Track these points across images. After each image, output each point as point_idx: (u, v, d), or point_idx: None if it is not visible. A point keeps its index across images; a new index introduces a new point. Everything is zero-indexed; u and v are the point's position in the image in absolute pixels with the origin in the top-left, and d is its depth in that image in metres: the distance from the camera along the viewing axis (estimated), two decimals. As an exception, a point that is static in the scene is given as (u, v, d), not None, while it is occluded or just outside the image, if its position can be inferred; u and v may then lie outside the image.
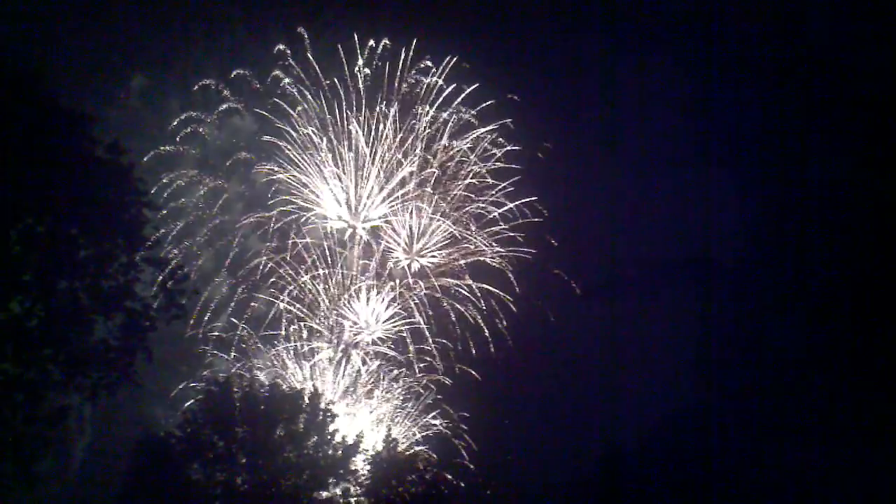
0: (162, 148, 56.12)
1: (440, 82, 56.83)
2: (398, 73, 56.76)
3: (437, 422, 55.28)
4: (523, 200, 56.86)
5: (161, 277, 32.30)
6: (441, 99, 57.13)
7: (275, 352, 54.75)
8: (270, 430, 40.06)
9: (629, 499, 57.23)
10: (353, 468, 42.36)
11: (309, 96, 56.81)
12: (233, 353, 55.09)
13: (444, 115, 57.09)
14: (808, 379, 57.87)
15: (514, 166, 57.27)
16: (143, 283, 32.64)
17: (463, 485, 47.73)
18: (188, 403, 51.32)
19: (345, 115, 56.51)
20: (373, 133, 56.48)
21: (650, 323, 60.71)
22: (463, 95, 57.00)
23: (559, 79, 63.48)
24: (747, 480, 56.17)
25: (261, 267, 55.67)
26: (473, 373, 55.65)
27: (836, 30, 64.00)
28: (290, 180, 56.65)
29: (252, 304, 55.64)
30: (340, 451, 41.75)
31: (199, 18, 61.52)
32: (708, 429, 58.31)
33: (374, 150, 56.39)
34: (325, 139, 56.55)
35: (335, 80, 56.74)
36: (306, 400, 41.45)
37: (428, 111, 56.84)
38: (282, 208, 56.38)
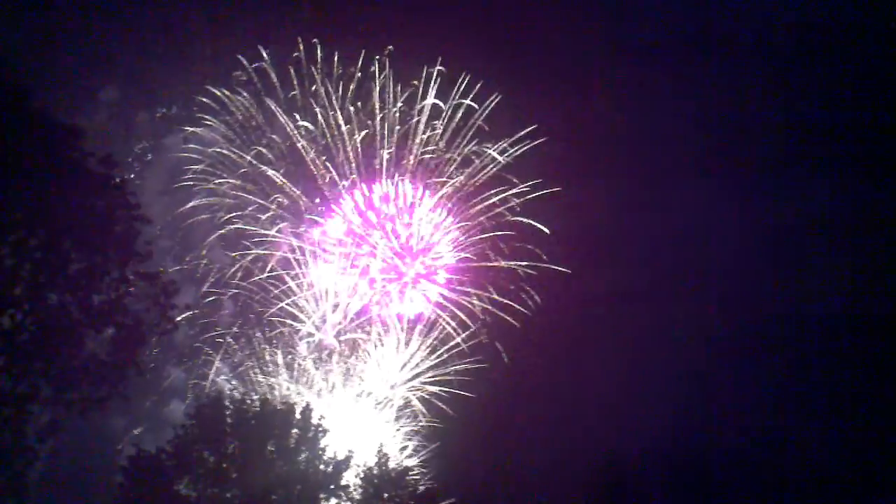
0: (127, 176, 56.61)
1: (401, 105, 57.14)
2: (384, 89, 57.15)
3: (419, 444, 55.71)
4: (521, 219, 57.18)
5: (153, 292, 32.26)
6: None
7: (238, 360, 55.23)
8: (262, 445, 39.85)
9: None
10: (343, 483, 42.13)
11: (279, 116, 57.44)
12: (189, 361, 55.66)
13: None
14: (809, 387, 58.00)
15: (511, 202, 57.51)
16: (134, 298, 32.64)
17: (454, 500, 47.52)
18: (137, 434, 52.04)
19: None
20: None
21: (651, 332, 60.71)
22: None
23: (557, 84, 63.27)
24: (749, 490, 56.18)
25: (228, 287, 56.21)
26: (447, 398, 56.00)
27: (841, 39, 64.42)
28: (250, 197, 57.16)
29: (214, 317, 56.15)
30: (331, 467, 41.54)
31: (170, 38, 61.51)
32: (710, 438, 58.28)
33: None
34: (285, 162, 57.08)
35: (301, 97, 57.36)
36: (297, 415, 41.25)
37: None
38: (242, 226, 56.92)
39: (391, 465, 43.90)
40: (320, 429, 41.65)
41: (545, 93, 61.93)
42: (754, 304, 62.21)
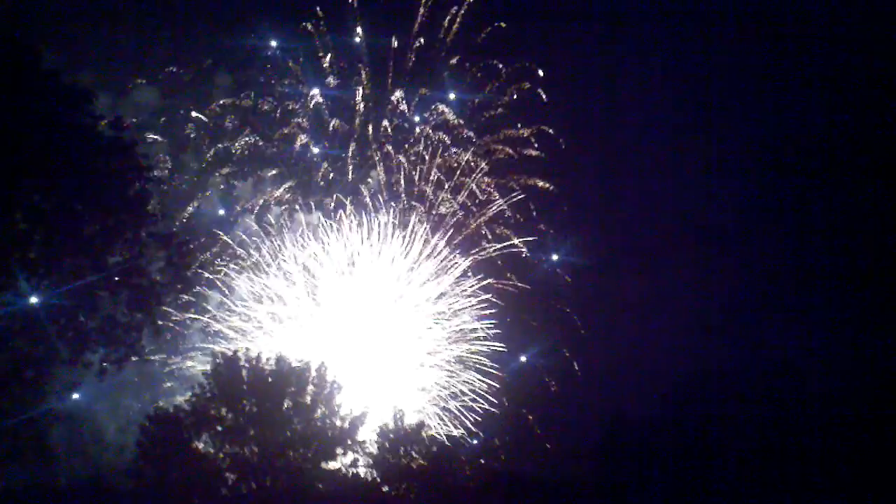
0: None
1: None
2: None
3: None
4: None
5: (167, 253, 32.27)
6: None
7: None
8: (278, 403, 40.28)
9: (631, 467, 57.34)
10: (359, 439, 42.55)
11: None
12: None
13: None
14: (810, 347, 57.98)
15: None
16: (148, 258, 32.65)
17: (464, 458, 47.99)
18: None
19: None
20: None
21: (653, 292, 60.82)
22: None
23: (560, 55, 62.63)
24: (749, 449, 56.21)
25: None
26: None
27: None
28: None
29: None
30: (347, 423, 41.93)
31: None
32: (711, 396, 58.26)
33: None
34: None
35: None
36: (313, 372, 41.57)
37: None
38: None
39: (406, 421, 44.31)
40: (335, 385, 42.01)
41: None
42: (759, 266, 62.21)
